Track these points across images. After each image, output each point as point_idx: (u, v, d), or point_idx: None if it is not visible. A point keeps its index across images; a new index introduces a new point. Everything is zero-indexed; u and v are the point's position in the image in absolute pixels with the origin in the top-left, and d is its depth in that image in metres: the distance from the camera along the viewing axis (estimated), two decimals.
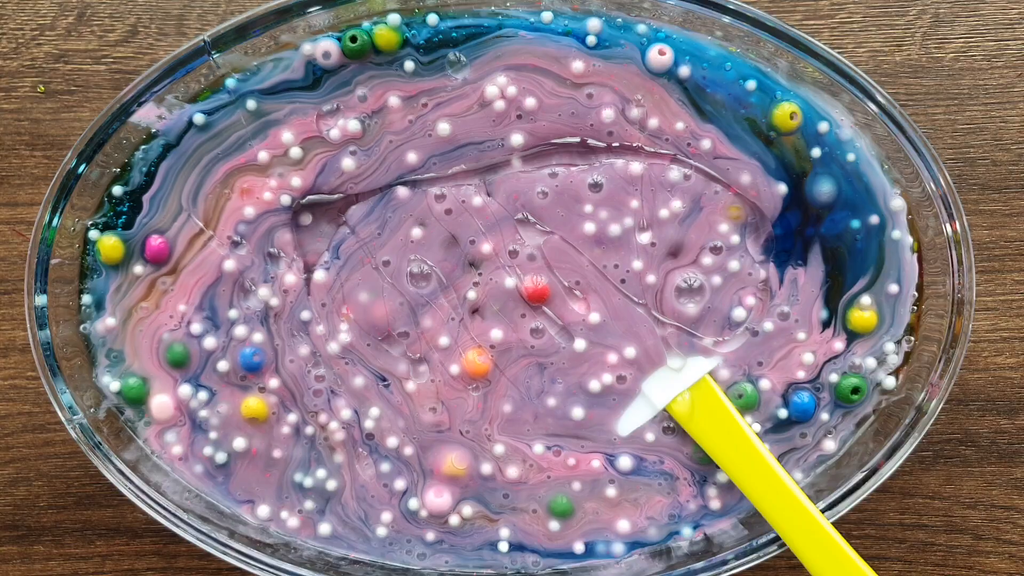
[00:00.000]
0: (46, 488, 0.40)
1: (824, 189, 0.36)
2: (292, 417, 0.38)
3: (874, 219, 0.36)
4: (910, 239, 0.36)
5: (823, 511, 0.37)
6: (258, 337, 0.37)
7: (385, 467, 0.38)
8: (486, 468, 0.38)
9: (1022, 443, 0.42)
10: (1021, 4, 0.41)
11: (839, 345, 0.37)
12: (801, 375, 0.37)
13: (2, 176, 0.41)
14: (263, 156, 0.36)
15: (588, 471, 0.38)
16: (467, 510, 0.38)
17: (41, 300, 0.35)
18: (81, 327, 0.37)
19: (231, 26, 0.35)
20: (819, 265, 0.37)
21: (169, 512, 0.36)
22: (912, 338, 0.37)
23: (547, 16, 0.35)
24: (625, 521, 0.38)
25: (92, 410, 0.37)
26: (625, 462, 0.38)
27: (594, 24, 0.35)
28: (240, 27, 0.35)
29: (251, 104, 0.36)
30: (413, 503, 0.38)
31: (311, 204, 0.37)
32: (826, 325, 0.37)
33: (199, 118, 0.36)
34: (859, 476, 0.37)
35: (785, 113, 0.35)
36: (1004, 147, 0.41)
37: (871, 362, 0.37)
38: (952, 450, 0.42)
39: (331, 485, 0.38)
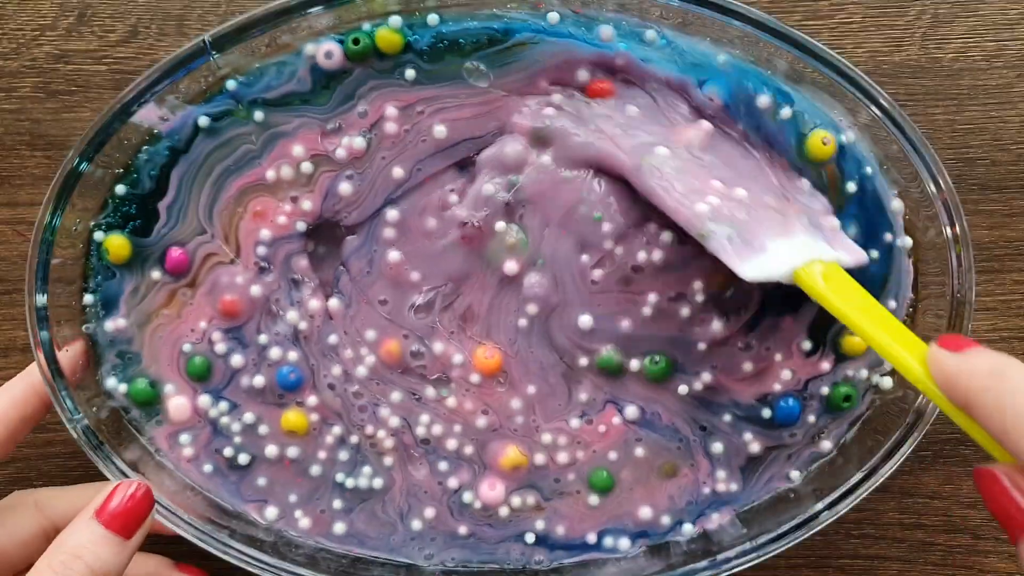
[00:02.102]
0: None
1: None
2: (336, 429, 0.38)
3: (888, 237, 0.36)
4: (909, 241, 0.36)
5: (822, 511, 0.37)
6: (293, 356, 0.37)
7: (443, 466, 0.38)
8: (539, 458, 0.38)
9: None
10: (1021, 4, 0.41)
11: (826, 366, 0.38)
12: (777, 387, 0.38)
13: (3, 176, 0.41)
14: (271, 175, 0.36)
15: (617, 435, 0.38)
16: (516, 500, 0.38)
17: (42, 299, 0.35)
18: (84, 327, 0.37)
19: (232, 26, 0.35)
20: (810, 311, 0.37)
21: (170, 512, 0.36)
22: None
23: (553, 17, 0.35)
24: (647, 508, 0.38)
25: (94, 410, 0.37)
26: (631, 411, 0.38)
27: (607, 32, 0.35)
28: (240, 27, 0.35)
29: (259, 115, 0.36)
30: (467, 496, 0.38)
31: (317, 228, 0.37)
32: (811, 354, 0.38)
33: (203, 121, 0.36)
34: (859, 476, 0.37)
35: (817, 139, 0.35)
36: (1003, 147, 0.41)
37: (864, 373, 0.38)
38: (952, 450, 0.42)
39: (377, 483, 0.38)
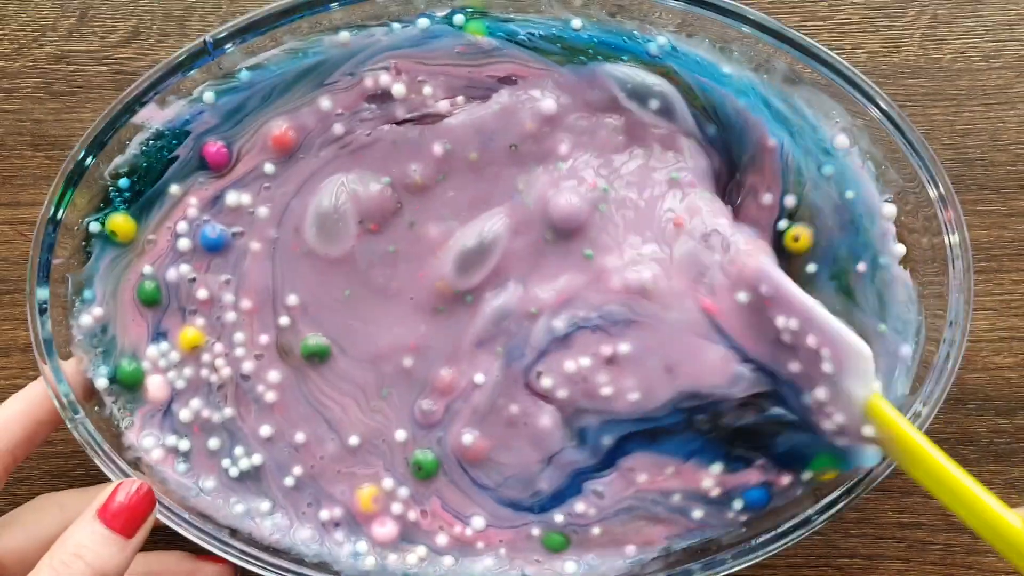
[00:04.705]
0: (48, 488, 0.40)
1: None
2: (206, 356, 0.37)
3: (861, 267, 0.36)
4: (902, 249, 0.36)
5: (821, 511, 0.37)
6: (246, 200, 0.36)
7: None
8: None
9: (1020, 443, 0.42)
10: (1020, 5, 0.41)
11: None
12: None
13: (4, 177, 0.41)
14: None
15: None
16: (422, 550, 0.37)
17: (43, 294, 0.35)
18: (71, 322, 0.36)
19: (233, 26, 0.35)
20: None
21: (170, 511, 0.36)
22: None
23: (577, 23, 0.35)
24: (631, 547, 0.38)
25: (96, 408, 0.37)
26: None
27: (662, 40, 0.35)
28: (242, 28, 0.35)
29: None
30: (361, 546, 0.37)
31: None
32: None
33: (208, 96, 0.35)
34: (858, 476, 0.37)
35: (790, 237, 0.36)
36: (1002, 148, 0.41)
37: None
38: (950, 450, 0.42)
39: (256, 460, 0.37)
